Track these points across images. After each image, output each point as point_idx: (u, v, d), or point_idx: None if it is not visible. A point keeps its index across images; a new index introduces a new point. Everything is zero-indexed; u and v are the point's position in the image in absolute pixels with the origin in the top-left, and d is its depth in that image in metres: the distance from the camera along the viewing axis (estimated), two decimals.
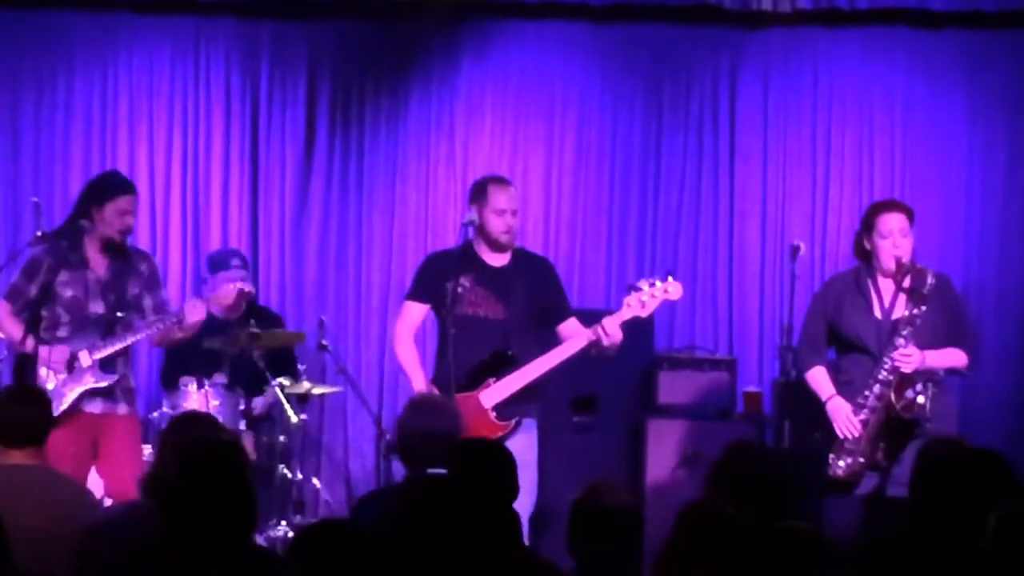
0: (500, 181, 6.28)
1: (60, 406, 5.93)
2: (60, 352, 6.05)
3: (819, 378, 5.97)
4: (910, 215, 5.99)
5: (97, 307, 6.14)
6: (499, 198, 6.10)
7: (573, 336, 6.01)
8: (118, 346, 6.11)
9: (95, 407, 6.11)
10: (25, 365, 6.04)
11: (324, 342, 7.35)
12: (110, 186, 6.22)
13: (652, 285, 5.99)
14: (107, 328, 6.13)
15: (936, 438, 5.23)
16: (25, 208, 7.65)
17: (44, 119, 7.96)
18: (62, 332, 6.12)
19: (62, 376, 6.05)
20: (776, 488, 4.45)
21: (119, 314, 6.15)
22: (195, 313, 6.13)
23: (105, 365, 6.11)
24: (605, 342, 5.90)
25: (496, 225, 6.07)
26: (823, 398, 5.91)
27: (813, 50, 7.96)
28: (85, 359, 6.07)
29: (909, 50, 7.92)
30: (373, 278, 8.06)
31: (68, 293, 6.11)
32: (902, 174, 7.93)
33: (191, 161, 8.01)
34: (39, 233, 6.27)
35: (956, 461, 4.27)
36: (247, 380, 7.04)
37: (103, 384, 6.09)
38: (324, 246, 8.07)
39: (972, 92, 7.89)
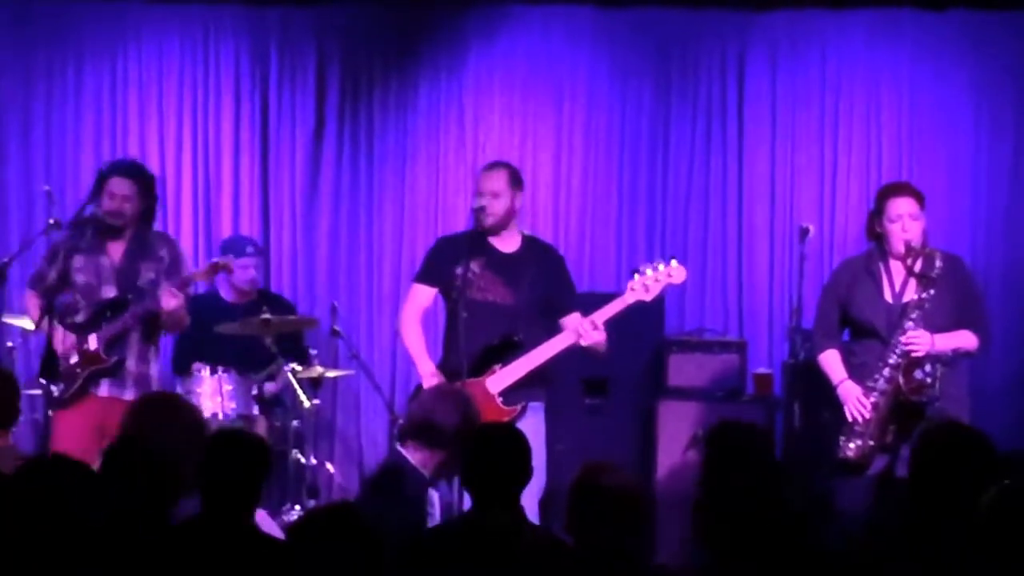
0: (486, 166, 6.37)
1: (72, 387, 6.09)
2: (69, 336, 6.13)
3: (831, 361, 5.98)
4: (920, 198, 5.96)
5: (110, 292, 6.20)
6: (478, 181, 6.24)
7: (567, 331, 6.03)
8: (118, 329, 6.14)
9: (103, 390, 6.18)
10: (50, 349, 6.08)
11: (336, 327, 7.38)
12: (105, 170, 6.28)
13: (655, 269, 5.98)
14: (117, 313, 6.16)
15: (935, 423, 5.22)
16: (38, 196, 7.68)
17: (55, 108, 8.00)
18: (79, 317, 6.21)
19: (74, 359, 6.13)
20: (766, 462, 4.47)
21: (130, 298, 6.18)
22: (169, 301, 6.09)
23: (109, 348, 6.17)
24: (583, 342, 5.91)
25: (474, 203, 6.17)
26: (834, 382, 5.93)
27: (820, 33, 7.96)
28: (93, 342, 6.15)
29: (915, 32, 7.92)
30: (384, 263, 8.10)
31: (81, 279, 6.21)
32: (909, 156, 7.93)
33: (201, 148, 8.04)
34: (51, 221, 6.34)
35: (951, 444, 4.28)
36: (258, 365, 7.07)
37: (104, 366, 6.14)
38: (335, 232, 8.10)
39: (979, 74, 7.89)
